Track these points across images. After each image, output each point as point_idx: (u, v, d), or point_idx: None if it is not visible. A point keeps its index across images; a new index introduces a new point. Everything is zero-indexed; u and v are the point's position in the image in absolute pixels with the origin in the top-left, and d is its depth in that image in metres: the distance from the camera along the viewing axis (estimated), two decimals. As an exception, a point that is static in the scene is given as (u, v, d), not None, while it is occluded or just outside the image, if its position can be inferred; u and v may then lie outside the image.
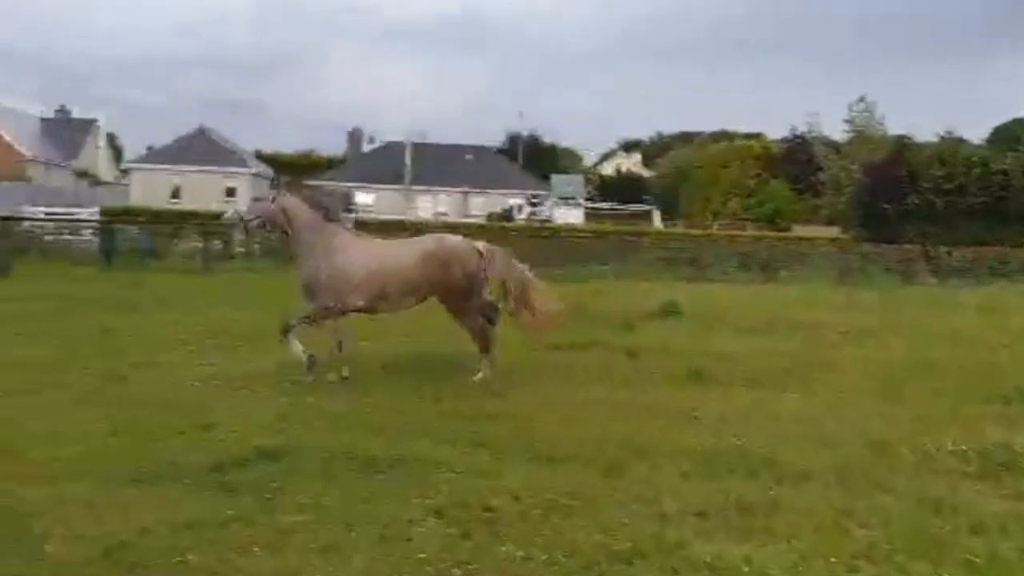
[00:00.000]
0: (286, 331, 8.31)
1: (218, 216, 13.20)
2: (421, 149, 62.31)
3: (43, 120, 65.75)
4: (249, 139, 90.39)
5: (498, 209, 55.66)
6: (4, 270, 18.66)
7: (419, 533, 4.50)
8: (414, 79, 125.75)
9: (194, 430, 6.40)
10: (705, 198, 69.10)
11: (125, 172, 61.12)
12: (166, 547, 4.25)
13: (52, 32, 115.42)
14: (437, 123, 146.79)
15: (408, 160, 60.45)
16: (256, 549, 4.26)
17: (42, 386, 7.75)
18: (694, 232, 43.83)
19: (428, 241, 8.80)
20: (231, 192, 53.95)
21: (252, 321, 11.57)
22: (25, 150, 56.06)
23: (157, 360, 9.22)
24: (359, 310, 8.58)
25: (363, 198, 53.44)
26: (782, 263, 29.29)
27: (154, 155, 60.49)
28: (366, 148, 68.74)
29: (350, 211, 48.93)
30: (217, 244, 25.15)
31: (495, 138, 78.68)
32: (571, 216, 54.18)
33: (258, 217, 8.79)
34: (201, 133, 59.53)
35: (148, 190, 51.89)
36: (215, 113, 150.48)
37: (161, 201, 47.24)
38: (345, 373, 8.36)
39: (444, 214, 55.14)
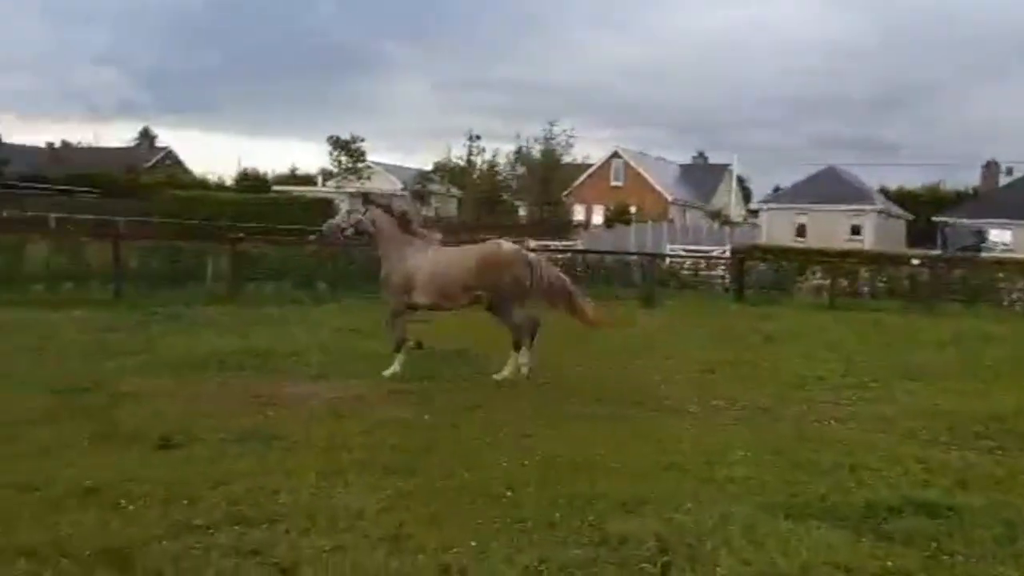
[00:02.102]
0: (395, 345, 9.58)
1: (844, 255, 12.94)
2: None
3: (682, 166, 72.98)
4: (874, 175, 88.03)
5: None
6: (650, 303, 20.80)
7: None
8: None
9: (839, 470, 6.25)
10: None
11: (753, 212, 64.03)
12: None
13: (677, 85, 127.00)
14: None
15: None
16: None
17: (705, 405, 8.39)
18: None
19: (486, 247, 9.97)
20: (856, 230, 52.93)
21: (875, 361, 11.23)
22: (668, 193, 62.71)
23: (793, 395, 9.36)
24: (426, 307, 9.79)
25: (999, 235, 47.87)
26: None
27: (781, 195, 62.30)
28: (1003, 181, 61.52)
29: (980, 247, 44.34)
30: (843, 281, 24.87)
31: None
32: None
33: (351, 226, 10.03)
34: (829, 171, 59.55)
35: (775, 228, 53.55)
36: (836, 151, 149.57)
37: (787, 239, 48.41)
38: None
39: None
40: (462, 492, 5.35)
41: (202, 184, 57.69)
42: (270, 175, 67.09)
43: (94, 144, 71.00)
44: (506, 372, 9.44)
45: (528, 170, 55.98)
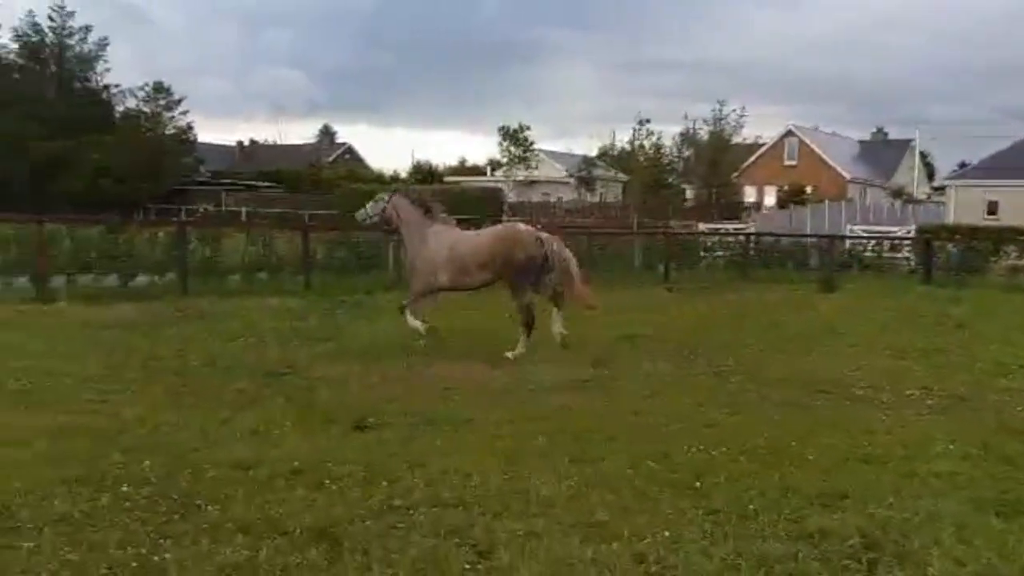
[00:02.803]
0: (402, 310, 10.34)
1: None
2: None
3: (861, 143, 69.20)
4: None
5: None
6: (829, 286, 19.80)
7: None
8: None
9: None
10: None
11: (938, 189, 59.97)
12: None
13: (852, 58, 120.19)
14: None
15: None
16: None
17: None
18: None
19: (499, 228, 10.83)
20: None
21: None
22: (845, 172, 59.66)
23: (992, 383, 8.71)
24: (447, 287, 10.34)
25: None
26: None
27: (970, 171, 57.94)
28: None
29: None
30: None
31: None
32: None
33: (378, 215, 10.79)
34: (1022, 145, 54.80)
35: (963, 206, 49.89)
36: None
37: (976, 217, 44.99)
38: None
39: None
40: (650, 481, 5.28)
41: (378, 177, 60.02)
42: (441, 167, 69.09)
43: (279, 142, 75.39)
44: (519, 350, 9.70)
45: (696, 152, 54.74)
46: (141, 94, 54.72)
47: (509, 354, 9.59)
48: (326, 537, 4.24)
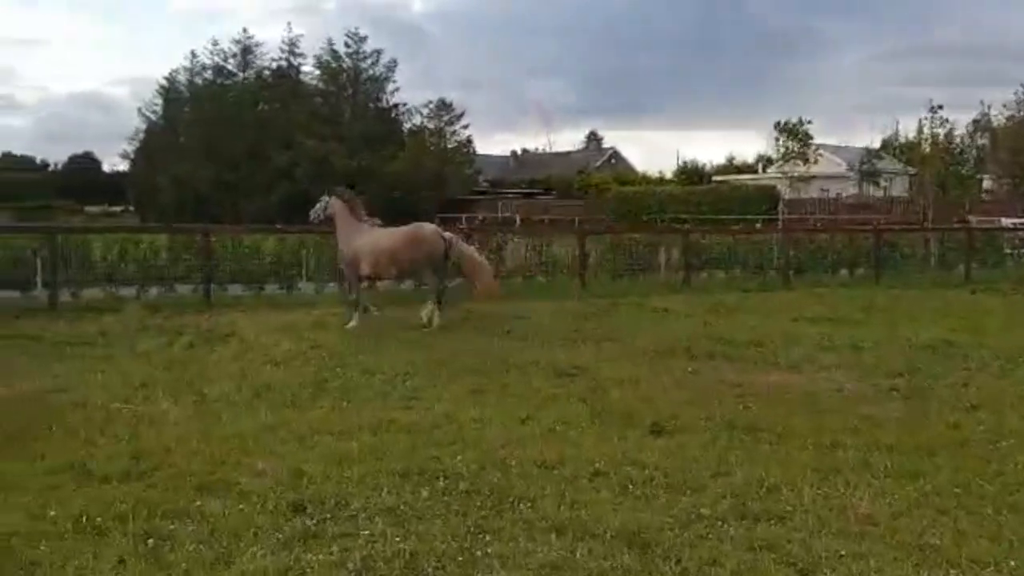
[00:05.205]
0: (355, 305, 11.95)
1: None
2: None
3: None
4: None
5: None
6: None
7: None
8: None
9: None
10: None
11: None
12: None
13: None
14: None
15: None
16: None
17: None
18: None
19: (407, 229, 12.12)
20: None
21: None
22: None
23: None
24: (371, 277, 12.13)
25: None
26: None
27: None
28: None
29: None
30: None
31: None
32: None
33: (322, 213, 12.59)
34: None
35: None
36: None
37: None
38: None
39: None
40: (982, 502, 4.72)
41: (645, 180, 59.92)
42: (708, 166, 67.60)
43: (548, 150, 77.57)
44: (423, 316, 11.65)
45: (993, 139, 49.21)
46: (426, 111, 58.58)
47: (424, 320, 11.56)
48: (636, 542, 4.17)
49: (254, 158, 54.51)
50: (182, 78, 62.46)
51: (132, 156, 67.75)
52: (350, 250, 12.07)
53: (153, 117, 64.13)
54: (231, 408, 6.93)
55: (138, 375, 8.20)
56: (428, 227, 12.33)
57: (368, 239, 11.99)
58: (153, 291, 15.14)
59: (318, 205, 12.78)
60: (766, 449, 5.79)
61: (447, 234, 12.19)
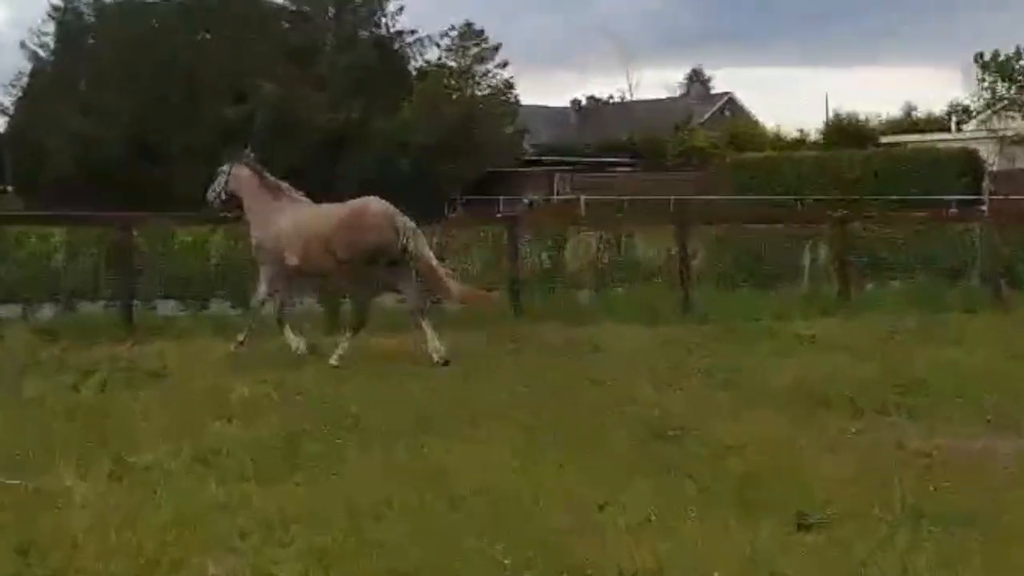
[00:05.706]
0: (279, 321, 12.77)
1: None
2: None
3: None
4: None
5: None
6: None
7: None
8: None
9: None
10: None
11: None
12: None
13: None
14: None
15: None
16: None
17: None
18: None
19: (351, 204, 12.75)
20: None
21: None
22: None
23: None
24: (301, 272, 12.71)
25: None
26: None
27: None
28: None
29: None
30: None
31: None
32: None
33: (223, 191, 13.06)
34: None
35: None
36: None
37: None
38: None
39: None
40: None
41: (777, 141, 59.65)
42: (873, 122, 66.90)
43: (629, 98, 77.26)
44: (339, 352, 11.98)
45: None
46: (445, 42, 58.65)
47: (333, 359, 11.84)
48: None
49: (191, 111, 55.00)
50: (84, -6, 62.34)
51: (10, 110, 66.22)
52: (268, 235, 12.54)
53: (42, 52, 63.67)
54: (166, 481, 7.03)
55: (27, 433, 8.33)
56: (378, 202, 12.63)
57: (292, 219, 12.46)
58: (47, 310, 15.36)
59: (218, 179, 13.21)
60: (971, 549, 5.73)
61: (403, 218, 12.34)
